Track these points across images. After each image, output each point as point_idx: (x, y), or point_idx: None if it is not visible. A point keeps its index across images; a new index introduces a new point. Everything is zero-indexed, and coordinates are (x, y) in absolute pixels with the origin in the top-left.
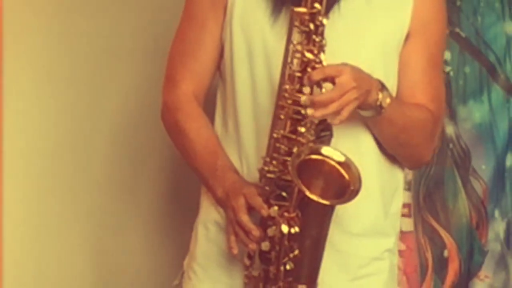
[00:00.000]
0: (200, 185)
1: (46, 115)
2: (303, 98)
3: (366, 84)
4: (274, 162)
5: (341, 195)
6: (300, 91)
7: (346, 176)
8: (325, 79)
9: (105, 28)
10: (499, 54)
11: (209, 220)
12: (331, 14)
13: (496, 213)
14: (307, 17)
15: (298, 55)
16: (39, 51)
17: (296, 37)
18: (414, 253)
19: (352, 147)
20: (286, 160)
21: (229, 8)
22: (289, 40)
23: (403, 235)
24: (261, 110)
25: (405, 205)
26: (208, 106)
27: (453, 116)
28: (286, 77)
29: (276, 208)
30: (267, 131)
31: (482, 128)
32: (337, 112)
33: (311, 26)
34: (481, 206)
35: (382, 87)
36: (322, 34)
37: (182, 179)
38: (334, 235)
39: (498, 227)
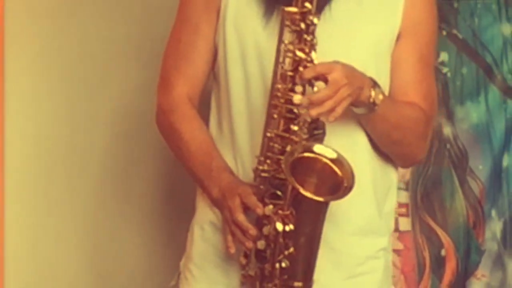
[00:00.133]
0: (195, 186)
1: (46, 116)
2: (298, 98)
3: (358, 81)
4: (268, 161)
5: (335, 192)
6: (292, 90)
7: (339, 172)
8: (316, 77)
9: (104, 30)
10: (496, 55)
11: (205, 221)
12: (322, 16)
13: (493, 213)
14: (298, 17)
15: (289, 54)
16: (40, 53)
17: (287, 36)
18: (412, 253)
19: (346, 145)
20: (280, 159)
21: (222, 11)
22: (280, 40)
23: (401, 234)
24: (255, 111)
25: (403, 205)
26: (203, 108)
27: (450, 116)
28: (278, 76)
29: (271, 206)
30: (261, 131)
31: (479, 128)
32: (332, 110)
33: (302, 25)
34: (478, 206)
35: (374, 84)
36: (313, 33)
37: (178, 180)
38: (329, 234)
39: (495, 227)
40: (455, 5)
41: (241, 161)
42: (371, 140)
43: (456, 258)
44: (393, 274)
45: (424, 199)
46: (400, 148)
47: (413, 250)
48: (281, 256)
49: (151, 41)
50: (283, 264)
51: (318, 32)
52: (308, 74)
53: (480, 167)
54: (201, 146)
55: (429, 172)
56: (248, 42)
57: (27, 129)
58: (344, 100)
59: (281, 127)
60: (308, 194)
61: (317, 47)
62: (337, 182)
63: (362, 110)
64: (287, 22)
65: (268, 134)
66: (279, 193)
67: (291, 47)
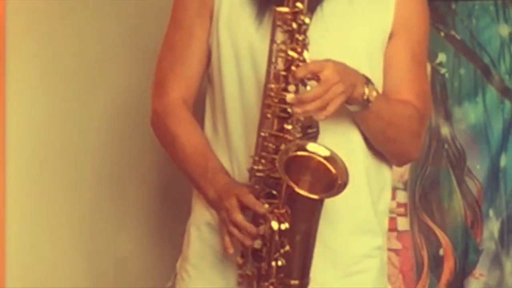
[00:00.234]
0: (191, 186)
1: (46, 116)
2: (291, 97)
3: (351, 78)
4: (263, 160)
5: (329, 189)
6: (285, 90)
7: (333, 170)
8: (309, 76)
9: (104, 30)
10: (494, 56)
11: (201, 221)
12: (314, 16)
13: (491, 213)
14: (289, 17)
15: (282, 54)
16: (42, 53)
17: (279, 36)
18: (410, 252)
19: (340, 143)
20: (275, 158)
21: (215, 14)
22: (272, 40)
23: (399, 234)
24: (249, 111)
25: (401, 205)
26: (198, 111)
27: (448, 117)
28: (271, 76)
29: (267, 206)
30: (255, 132)
31: (477, 129)
32: (322, 108)
33: (294, 25)
34: (476, 206)
35: (368, 81)
36: (305, 33)
37: (174, 180)
38: (326, 233)
39: (492, 226)
40: (453, 6)
41: (236, 161)
42: (365, 139)
43: (454, 257)
44: (392, 273)
45: (422, 199)
46: (394, 146)
47: (412, 250)
48: (277, 255)
49: (151, 41)
50: (280, 263)
51: (311, 32)
52: (300, 73)
53: (478, 167)
54: (196, 148)
55: (427, 172)
56: (241, 43)
57: (28, 129)
58: (336, 97)
59: (275, 127)
60: (303, 192)
61: (310, 47)
62: (332, 179)
63: (356, 107)
64: (279, 22)
65: (262, 134)
66: (274, 192)
67: (283, 47)
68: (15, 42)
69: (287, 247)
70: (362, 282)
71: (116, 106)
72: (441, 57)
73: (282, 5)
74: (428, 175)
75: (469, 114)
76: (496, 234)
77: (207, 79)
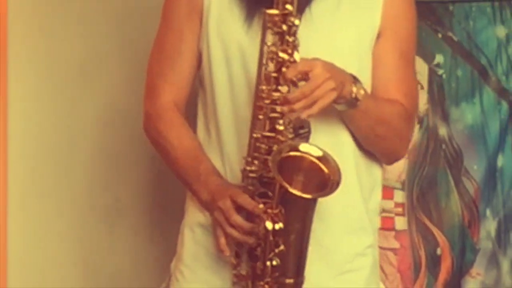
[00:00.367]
0: (185, 189)
1: (46, 116)
2: (276, 95)
3: (340, 76)
4: (255, 161)
5: (322, 189)
6: (276, 91)
7: (326, 169)
8: (299, 76)
9: (102, 30)
10: (491, 57)
11: (195, 223)
12: (303, 17)
13: (488, 212)
14: (279, 19)
15: (272, 56)
16: (43, 53)
17: (269, 38)
18: (408, 251)
19: (331, 143)
20: (267, 159)
21: (205, 16)
22: (263, 42)
23: (397, 233)
24: (241, 113)
25: (399, 204)
26: (190, 114)
27: (445, 117)
28: (262, 77)
29: (261, 206)
30: (248, 133)
31: (474, 129)
32: (308, 106)
33: (284, 27)
34: (473, 206)
35: (355, 80)
36: (294, 34)
37: (167, 181)
38: (319, 232)
39: (489, 226)
40: (450, 8)
41: (229, 163)
42: (355, 139)
43: (451, 257)
44: (390, 272)
45: (420, 198)
46: (382, 145)
47: (409, 249)
48: (272, 254)
49: (150, 44)
50: (274, 262)
51: (299, 33)
52: (290, 73)
53: (475, 167)
54: (189, 151)
55: (425, 172)
56: (231, 46)
57: (29, 129)
58: (328, 93)
59: (267, 128)
60: (296, 192)
61: (300, 48)
62: (324, 179)
63: (344, 106)
64: (269, 24)
65: (255, 135)
66: (267, 192)
67: (273, 48)
68: (17, 43)
69: (282, 247)
70: (355, 280)
71: (111, 109)
72: (439, 58)
73: (271, 7)
74: (426, 175)
75: (466, 114)
76: (493, 233)
77: (198, 82)
